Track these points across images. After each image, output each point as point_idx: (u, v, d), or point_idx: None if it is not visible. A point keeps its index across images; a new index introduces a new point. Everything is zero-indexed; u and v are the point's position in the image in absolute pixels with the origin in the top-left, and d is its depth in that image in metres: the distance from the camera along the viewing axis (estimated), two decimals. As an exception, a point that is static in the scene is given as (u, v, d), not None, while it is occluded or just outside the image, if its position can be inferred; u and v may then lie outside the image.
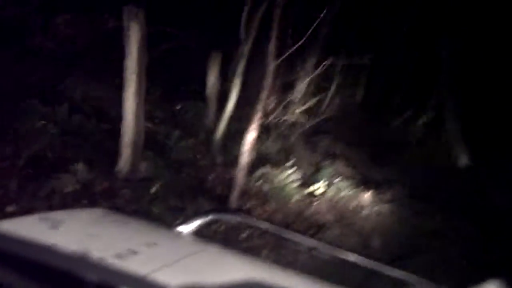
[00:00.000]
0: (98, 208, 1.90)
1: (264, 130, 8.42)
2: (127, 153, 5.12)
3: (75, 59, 6.97)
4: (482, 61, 10.98)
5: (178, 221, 1.69)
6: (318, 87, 11.39)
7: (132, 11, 4.75)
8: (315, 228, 6.44)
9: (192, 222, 1.68)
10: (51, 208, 4.37)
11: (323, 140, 9.79)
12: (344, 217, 7.19)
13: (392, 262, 6.01)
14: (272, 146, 8.14)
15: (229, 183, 6.61)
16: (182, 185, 5.79)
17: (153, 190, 5.17)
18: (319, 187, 7.48)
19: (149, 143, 6.61)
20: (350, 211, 7.52)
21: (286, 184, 7.16)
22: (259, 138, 8.30)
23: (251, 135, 5.57)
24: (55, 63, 6.71)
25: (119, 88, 7.02)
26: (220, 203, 5.82)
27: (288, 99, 8.74)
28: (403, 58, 11.52)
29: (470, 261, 6.58)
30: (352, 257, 1.76)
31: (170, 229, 1.65)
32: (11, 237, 1.19)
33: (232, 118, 7.51)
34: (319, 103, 10.21)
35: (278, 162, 7.71)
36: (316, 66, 11.32)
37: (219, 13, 9.37)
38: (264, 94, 5.54)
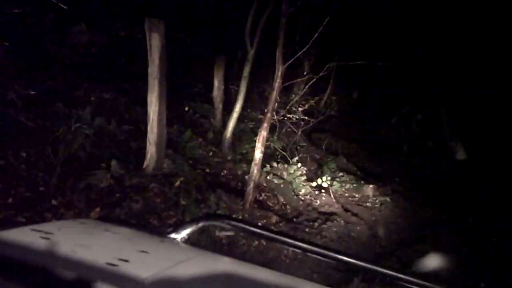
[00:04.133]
0: (87, 218, 1.95)
1: (270, 128, 8.83)
2: (152, 151, 5.50)
3: (88, 66, 7.38)
4: (477, 58, 11.36)
5: (169, 229, 1.71)
6: (316, 87, 11.84)
7: (153, 22, 5.14)
8: (324, 217, 6.84)
9: (183, 229, 1.68)
10: (89, 201, 4.74)
11: (324, 137, 10.22)
12: (349, 208, 7.59)
13: (396, 249, 6.42)
14: (278, 143, 8.53)
15: (241, 178, 7.04)
16: (199, 179, 6.16)
17: (176, 184, 5.55)
18: (324, 181, 7.87)
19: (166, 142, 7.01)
20: (355, 203, 7.94)
21: (294, 178, 7.56)
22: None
23: (264, 132, 5.96)
24: (71, 69, 7.11)
25: (128, 92, 7.50)
26: (236, 196, 6.21)
27: (292, 99, 9.12)
28: (397, 57, 11.87)
29: (471, 248, 6.99)
30: (346, 259, 1.63)
31: (161, 237, 1.64)
32: (3, 247, 1.20)
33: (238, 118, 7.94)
34: (317, 102, 10.62)
35: (284, 158, 8.12)
36: (312, 67, 11.79)
37: (221, 20, 9.78)
38: (274, 95, 5.93)
